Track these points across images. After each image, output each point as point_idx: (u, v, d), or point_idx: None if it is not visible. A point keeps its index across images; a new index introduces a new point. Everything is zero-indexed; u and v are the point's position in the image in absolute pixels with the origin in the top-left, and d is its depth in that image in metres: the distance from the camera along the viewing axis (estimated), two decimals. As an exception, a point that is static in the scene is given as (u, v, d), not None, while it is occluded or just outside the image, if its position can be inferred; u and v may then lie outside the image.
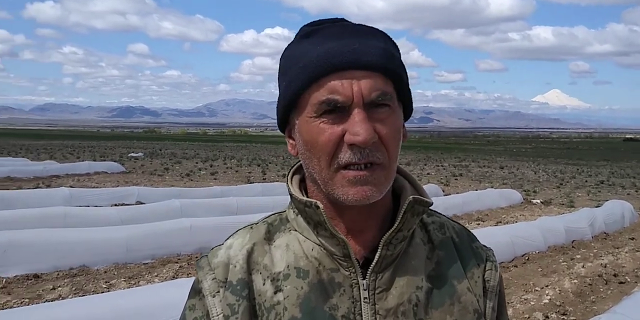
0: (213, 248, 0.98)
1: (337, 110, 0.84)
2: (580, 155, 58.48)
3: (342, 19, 0.92)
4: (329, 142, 0.84)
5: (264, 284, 0.90)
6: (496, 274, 1.01)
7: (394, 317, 0.88)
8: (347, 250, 0.88)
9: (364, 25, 0.90)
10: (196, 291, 0.94)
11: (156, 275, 7.07)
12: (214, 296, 0.91)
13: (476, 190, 17.75)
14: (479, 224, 11.98)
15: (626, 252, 9.42)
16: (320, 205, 0.87)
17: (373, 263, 0.89)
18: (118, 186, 15.54)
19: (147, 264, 7.56)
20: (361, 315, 0.87)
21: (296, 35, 0.93)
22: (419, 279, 0.92)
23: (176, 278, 6.77)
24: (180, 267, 7.48)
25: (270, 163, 32.47)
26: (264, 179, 21.80)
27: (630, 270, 8.23)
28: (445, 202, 13.38)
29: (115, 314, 4.19)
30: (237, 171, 25.65)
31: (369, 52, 0.84)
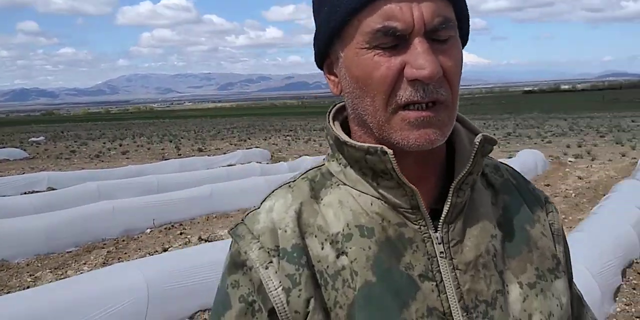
0: (248, 213, 0.84)
1: (394, 40, 0.71)
2: (484, 110, 61.05)
3: None
4: (387, 78, 0.71)
5: (322, 248, 0.78)
6: (558, 216, 0.94)
7: (475, 270, 0.78)
8: (416, 201, 0.77)
9: None
10: (238, 264, 0.80)
11: (84, 263, 6.69)
12: (266, 268, 0.77)
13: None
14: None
15: (543, 198, 9.93)
16: (389, 151, 0.74)
17: (444, 212, 0.78)
18: (24, 173, 14.59)
19: (71, 252, 7.12)
20: (440, 273, 0.77)
21: None
22: (491, 226, 0.82)
23: (107, 264, 6.42)
24: (108, 252, 7.11)
25: (182, 138, 31.70)
26: (179, 154, 21.23)
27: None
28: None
29: (51, 309, 3.90)
30: (149, 149, 24.81)
31: None
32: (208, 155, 18.49)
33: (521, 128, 30.54)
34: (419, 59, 0.69)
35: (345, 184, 0.82)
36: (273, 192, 0.86)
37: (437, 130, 0.73)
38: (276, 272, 0.77)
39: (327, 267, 0.77)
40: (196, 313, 4.78)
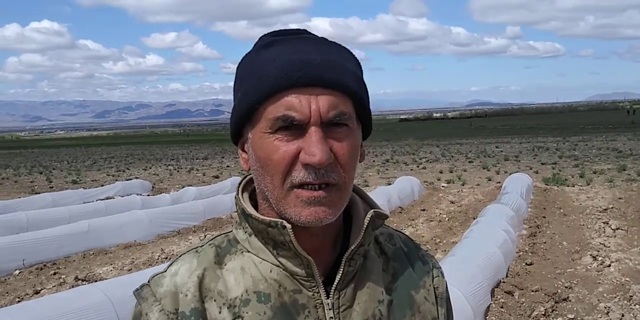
0: (153, 276, 0.88)
1: (293, 127, 0.79)
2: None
3: (305, 31, 0.88)
4: (283, 161, 0.79)
5: (220, 312, 0.83)
6: (443, 281, 1.02)
7: None
8: (311, 270, 0.84)
9: (327, 39, 0.87)
10: None
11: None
12: None
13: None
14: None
15: (422, 223, 10.47)
16: (288, 225, 0.81)
17: (336, 281, 0.86)
18: None
19: None
20: None
21: (255, 44, 0.87)
22: (379, 292, 0.90)
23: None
24: (-29, 298, 6.52)
25: (54, 169, 29.90)
26: (51, 187, 19.97)
27: (429, 238, 9.16)
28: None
29: None
30: (16, 182, 23.15)
31: (330, 69, 0.80)
32: (84, 188, 17.54)
33: (398, 155, 32.05)
34: (312, 147, 0.77)
35: (249, 251, 0.88)
36: (181, 256, 0.90)
37: (327, 209, 0.80)
38: None
39: None
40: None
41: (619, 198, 12.54)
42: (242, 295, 0.84)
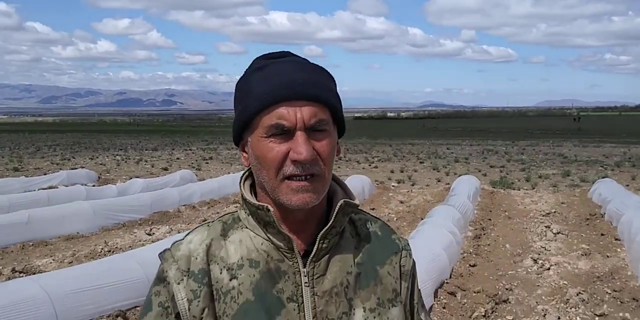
0: (174, 243, 1.13)
1: (283, 133, 1.03)
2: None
3: (289, 52, 1.12)
4: (276, 158, 1.02)
5: (220, 273, 1.08)
6: (410, 260, 1.24)
7: (329, 297, 1.09)
8: (291, 245, 1.08)
9: (309, 62, 1.11)
10: (161, 279, 1.10)
11: None
12: (178, 283, 1.07)
13: (229, 173, 18.09)
14: (236, 206, 12.25)
15: (368, 222, 10.51)
16: (271, 209, 1.06)
17: (312, 254, 1.09)
18: None
19: None
20: (302, 297, 1.07)
21: (250, 66, 1.11)
22: (349, 265, 1.13)
23: None
24: None
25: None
26: (-9, 174, 19.18)
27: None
28: (201, 188, 13.37)
29: None
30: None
31: (310, 86, 1.04)
32: (25, 176, 16.95)
33: (351, 153, 32.22)
34: (299, 147, 1.01)
35: (247, 228, 1.13)
36: (196, 228, 1.16)
37: (312, 195, 1.04)
38: (184, 287, 1.07)
39: (222, 287, 1.07)
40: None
41: (562, 203, 12.96)
42: (238, 261, 1.09)
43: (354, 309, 1.10)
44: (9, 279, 6.45)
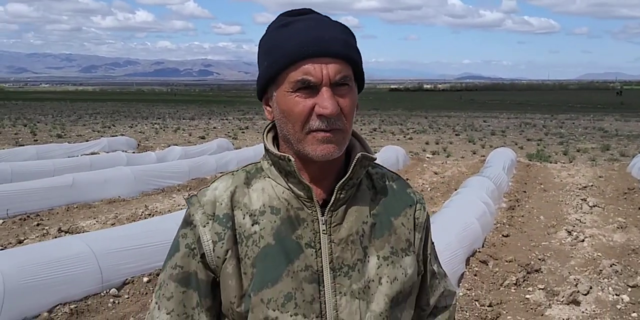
0: (201, 189, 1.20)
1: (308, 88, 1.06)
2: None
3: (311, 9, 1.15)
4: (303, 112, 1.07)
5: (243, 218, 1.14)
6: (424, 213, 1.30)
7: (345, 244, 1.14)
8: (311, 194, 1.13)
9: (329, 18, 1.14)
10: (188, 222, 1.17)
11: None
12: (204, 226, 1.14)
13: (264, 142, 18.24)
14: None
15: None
16: (292, 159, 1.10)
17: (330, 203, 1.14)
18: None
19: None
20: (320, 243, 1.13)
21: (274, 23, 1.14)
22: (365, 215, 1.19)
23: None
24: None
25: (38, 122, 29.55)
26: (35, 140, 19.82)
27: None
28: (238, 156, 13.57)
29: None
30: None
31: (335, 43, 1.07)
32: (68, 143, 17.46)
33: (386, 124, 32.08)
34: (324, 102, 1.05)
35: (269, 177, 1.18)
36: (222, 176, 1.22)
37: (335, 146, 1.09)
38: (210, 230, 1.13)
39: (244, 231, 1.13)
40: (55, 307, 4.61)
41: (600, 177, 12.75)
42: (260, 208, 1.15)
43: (368, 257, 1.16)
44: (56, 237, 6.76)
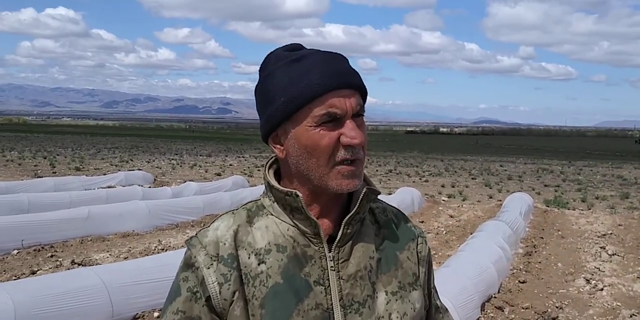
0: (200, 230, 1.17)
1: (333, 120, 1.06)
2: (369, 146, 62.81)
3: (300, 44, 1.16)
4: (330, 145, 1.06)
5: (249, 258, 1.11)
6: (426, 247, 1.30)
7: (354, 280, 1.13)
8: (318, 230, 1.11)
9: (333, 52, 1.14)
10: (189, 265, 1.13)
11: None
12: (208, 268, 1.10)
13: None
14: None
15: (418, 235, 10.45)
16: (300, 194, 1.09)
17: (337, 239, 1.12)
18: None
19: None
20: (329, 280, 1.11)
21: (281, 60, 1.11)
22: (371, 250, 1.17)
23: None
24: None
25: (58, 155, 29.94)
26: (53, 172, 20.06)
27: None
28: (252, 193, 13.58)
29: None
30: (20, 164, 23.20)
31: (352, 76, 1.10)
32: (86, 175, 17.63)
33: (402, 166, 32.03)
34: (352, 132, 1.06)
35: (272, 215, 1.16)
36: (221, 216, 1.19)
37: (357, 179, 1.10)
38: (214, 272, 1.09)
39: (250, 271, 1.10)
40: (64, 340, 4.57)
41: (619, 225, 12.54)
42: (265, 246, 1.12)
43: (377, 293, 1.14)
44: (68, 269, 6.75)
